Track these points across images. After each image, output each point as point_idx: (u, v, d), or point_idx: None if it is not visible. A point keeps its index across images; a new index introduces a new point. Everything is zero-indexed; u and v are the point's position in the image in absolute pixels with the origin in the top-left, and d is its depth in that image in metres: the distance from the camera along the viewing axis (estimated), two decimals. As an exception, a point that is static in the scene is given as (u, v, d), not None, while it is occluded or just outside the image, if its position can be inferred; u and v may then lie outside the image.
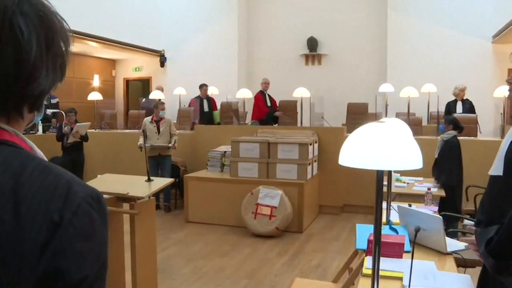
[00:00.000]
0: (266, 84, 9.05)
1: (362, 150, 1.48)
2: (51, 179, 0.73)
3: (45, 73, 0.77)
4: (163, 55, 12.49)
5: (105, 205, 0.77)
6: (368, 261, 2.39)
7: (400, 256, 2.44)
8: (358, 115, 8.96)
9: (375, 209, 1.61)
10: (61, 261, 0.69)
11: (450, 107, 8.49)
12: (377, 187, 1.58)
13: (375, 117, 8.24)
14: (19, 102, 0.77)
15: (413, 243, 1.81)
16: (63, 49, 0.81)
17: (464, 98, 8.47)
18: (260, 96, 9.03)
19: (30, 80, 0.75)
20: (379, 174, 1.54)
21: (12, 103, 0.76)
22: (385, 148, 1.45)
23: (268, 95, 9.06)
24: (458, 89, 8.39)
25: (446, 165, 5.30)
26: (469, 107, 8.27)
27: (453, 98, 8.57)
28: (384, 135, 1.48)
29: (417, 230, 1.80)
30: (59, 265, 0.69)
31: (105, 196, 3.93)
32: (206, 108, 9.56)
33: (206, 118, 9.51)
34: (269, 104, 8.99)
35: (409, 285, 1.76)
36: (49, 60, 0.77)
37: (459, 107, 8.37)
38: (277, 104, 9.20)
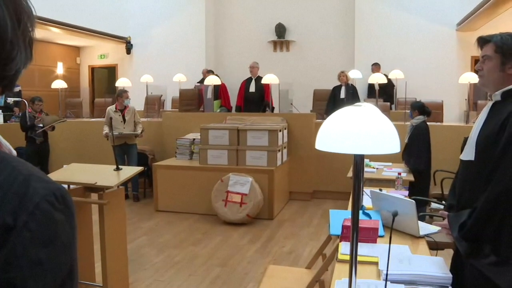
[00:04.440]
0: (250, 68, 8.88)
1: (339, 134, 1.46)
2: (6, 174, 0.63)
3: (20, 51, 0.71)
4: (129, 42, 12.24)
5: (71, 204, 0.68)
6: (343, 247, 2.38)
7: (374, 241, 2.45)
8: (324, 101, 8.99)
9: (353, 194, 1.59)
10: (15, 271, 0.59)
11: (335, 91, 8.71)
12: (355, 171, 1.56)
13: (344, 103, 8.27)
14: None
15: (391, 227, 1.81)
16: (28, 24, 0.74)
17: (350, 83, 8.68)
18: (243, 82, 8.92)
19: (9, 59, 0.69)
20: (358, 158, 1.53)
21: None
22: (363, 132, 1.43)
23: (257, 80, 8.79)
24: (339, 74, 8.62)
25: (415, 150, 5.37)
26: (352, 92, 8.51)
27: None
28: (361, 119, 1.47)
29: (395, 215, 1.80)
30: (11, 277, 0.59)
31: (72, 186, 3.85)
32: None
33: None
34: (252, 90, 8.79)
35: (387, 269, 1.76)
36: (20, 38, 0.71)
37: (343, 92, 8.57)
38: (269, 92, 8.62)
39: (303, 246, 5.22)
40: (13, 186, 0.62)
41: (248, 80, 8.91)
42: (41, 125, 7.30)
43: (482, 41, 2.10)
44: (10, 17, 0.68)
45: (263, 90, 8.68)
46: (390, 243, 1.69)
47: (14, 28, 0.69)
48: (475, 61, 9.98)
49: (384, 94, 9.28)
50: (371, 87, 9.50)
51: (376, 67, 9.96)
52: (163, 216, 6.51)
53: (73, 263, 0.67)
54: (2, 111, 8.52)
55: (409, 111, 7.39)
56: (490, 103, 2.11)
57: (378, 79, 8.14)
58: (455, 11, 9.90)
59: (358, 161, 1.53)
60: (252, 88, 8.73)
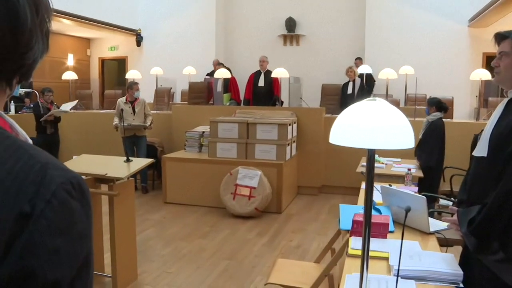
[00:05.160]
0: (260, 62, 8.89)
1: (354, 129, 1.46)
2: (23, 162, 0.62)
3: (38, 41, 0.72)
4: (140, 34, 12.27)
5: (88, 193, 0.67)
6: (353, 241, 2.38)
7: (385, 236, 2.45)
8: (332, 96, 8.97)
9: (366, 188, 1.59)
10: (32, 259, 0.58)
11: (343, 88, 8.88)
12: (369, 166, 1.56)
13: (353, 98, 8.26)
14: (13, 72, 0.72)
15: (403, 223, 1.80)
16: (45, 16, 0.75)
17: (357, 79, 8.83)
18: (251, 76, 8.95)
19: (27, 48, 0.70)
20: (371, 153, 1.53)
21: (5, 73, 0.71)
22: (378, 126, 1.43)
23: (266, 74, 8.77)
24: (347, 70, 8.71)
25: (429, 146, 5.35)
26: (360, 86, 8.61)
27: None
28: (376, 114, 1.46)
29: (408, 211, 1.79)
30: (29, 264, 0.58)
31: (82, 177, 3.87)
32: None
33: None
34: (261, 84, 8.80)
35: (399, 265, 1.75)
36: (38, 28, 0.72)
37: (350, 87, 8.63)
38: (278, 86, 8.59)
39: (311, 241, 5.22)
40: (30, 174, 0.62)
41: (257, 74, 8.89)
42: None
43: (500, 37, 2.08)
44: (30, 7, 0.69)
45: (272, 85, 8.68)
46: (402, 238, 1.69)
47: (33, 18, 0.70)
48: (487, 57, 9.91)
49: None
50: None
51: (359, 61, 10.17)
52: (171, 208, 6.54)
53: (89, 251, 0.67)
54: (14, 102, 8.57)
55: (419, 107, 7.38)
56: (505, 100, 2.09)
57: (388, 74, 8.10)
58: (467, 7, 9.82)
59: (372, 155, 1.53)
60: (261, 83, 8.73)
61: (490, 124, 2.11)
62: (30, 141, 0.77)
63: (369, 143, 1.41)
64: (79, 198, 0.65)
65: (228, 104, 8.55)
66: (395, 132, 1.43)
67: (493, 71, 2.12)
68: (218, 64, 9.86)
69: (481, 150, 2.12)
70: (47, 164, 0.64)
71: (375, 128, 1.41)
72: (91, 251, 0.68)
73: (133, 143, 7.07)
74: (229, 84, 9.25)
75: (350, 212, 2.68)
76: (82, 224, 0.65)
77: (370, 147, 1.44)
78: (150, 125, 7.15)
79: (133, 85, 7.18)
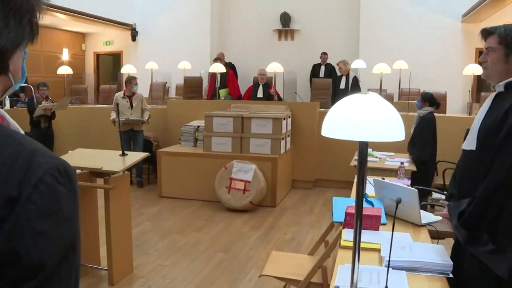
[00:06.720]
0: (261, 75, 8.86)
1: (345, 122, 1.49)
2: (12, 150, 0.65)
3: (7, 27, 0.70)
4: (135, 29, 12.24)
5: (74, 179, 0.70)
6: (346, 233, 2.43)
7: (377, 228, 2.49)
8: (322, 90, 9.01)
9: (357, 181, 1.63)
10: (18, 241, 0.61)
11: (336, 82, 9.03)
12: (360, 159, 1.60)
13: (345, 93, 8.31)
14: None
15: (394, 214, 1.84)
16: (32, 4, 0.74)
17: (351, 73, 8.96)
18: (250, 88, 8.92)
19: None
20: (363, 145, 1.56)
21: None
22: (369, 119, 1.46)
23: (264, 87, 8.80)
24: (340, 65, 8.84)
25: (420, 140, 5.39)
26: (353, 82, 8.72)
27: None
28: (367, 107, 1.49)
29: (398, 202, 1.83)
30: (15, 246, 0.61)
31: (78, 171, 3.89)
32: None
33: None
34: (259, 95, 8.79)
35: (390, 256, 1.80)
36: (9, 16, 0.70)
37: (343, 82, 8.73)
38: (279, 97, 8.67)
39: (305, 234, 5.27)
40: (18, 161, 0.64)
41: (255, 86, 8.89)
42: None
43: (486, 33, 2.11)
44: None
45: (270, 95, 8.70)
46: (393, 229, 1.73)
47: None
48: (480, 53, 9.89)
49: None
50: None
51: (324, 56, 10.51)
52: (166, 202, 6.57)
53: (75, 236, 0.69)
54: (9, 97, 8.56)
55: (412, 101, 7.43)
56: (493, 94, 2.13)
57: (382, 69, 8.14)
58: (461, 3, 9.86)
59: (363, 148, 1.56)
60: (259, 94, 8.74)
61: (478, 118, 2.14)
62: (22, 132, 0.79)
63: (360, 135, 1.45)
64: (65, 183, 0.67)
65: (223, 99, 8.58)
66: (386, 125, 1.46)
67: (482, 66, 2.16)
68: (215, 60, 9.87)
69: (470, 143, 2.16)
70: (35, 151, 0.66)
71: (366, 120, 1.45)
72: (78, 235, 0.70)
73: (130, 137, 7.10)
74: (228, 79, 9.25)
75: (343, 205, 2.72)
76: (68, 208, 0.67)
77: (361, 140, 1.48)
78: (147, 119, 7.18)
79: (132, 80, 7.21)
